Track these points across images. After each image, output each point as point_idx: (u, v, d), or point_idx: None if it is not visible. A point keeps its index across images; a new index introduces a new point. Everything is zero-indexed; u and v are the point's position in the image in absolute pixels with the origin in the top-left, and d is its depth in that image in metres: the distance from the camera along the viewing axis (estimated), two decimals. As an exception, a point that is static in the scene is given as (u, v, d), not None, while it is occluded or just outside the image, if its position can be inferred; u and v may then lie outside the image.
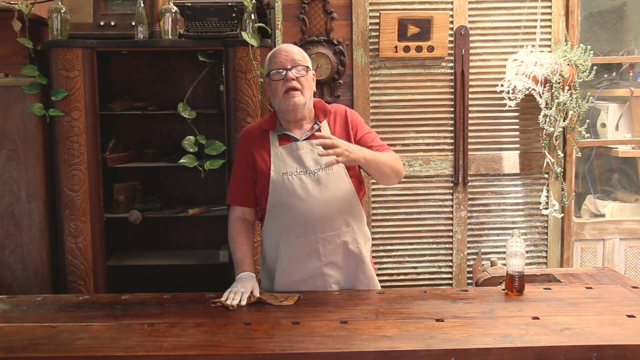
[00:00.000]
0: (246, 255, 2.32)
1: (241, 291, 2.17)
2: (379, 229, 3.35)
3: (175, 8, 3.07)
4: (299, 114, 2.29)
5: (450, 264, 3.40)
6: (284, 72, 2.24)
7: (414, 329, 1.89)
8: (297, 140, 2.30)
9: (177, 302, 2.19)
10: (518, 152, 3.36)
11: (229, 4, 3.09)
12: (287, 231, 2.28)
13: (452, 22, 3.25)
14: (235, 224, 2.36)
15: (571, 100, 3.12)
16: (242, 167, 2.35)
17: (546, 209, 3.35)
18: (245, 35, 2.96)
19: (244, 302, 2.13)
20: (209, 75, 3.27)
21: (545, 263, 3.42)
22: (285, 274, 2.31)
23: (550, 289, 2.29)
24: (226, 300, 2.13)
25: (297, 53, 2.30)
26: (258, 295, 2.18)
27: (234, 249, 2.34)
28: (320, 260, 2.29)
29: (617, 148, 3.68)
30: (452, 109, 3.32)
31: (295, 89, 2.24)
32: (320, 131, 2.31)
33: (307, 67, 2.30)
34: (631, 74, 3.84)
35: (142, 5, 3.03)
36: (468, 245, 3.39)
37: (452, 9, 3.25)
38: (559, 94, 3.09)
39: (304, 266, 2.30)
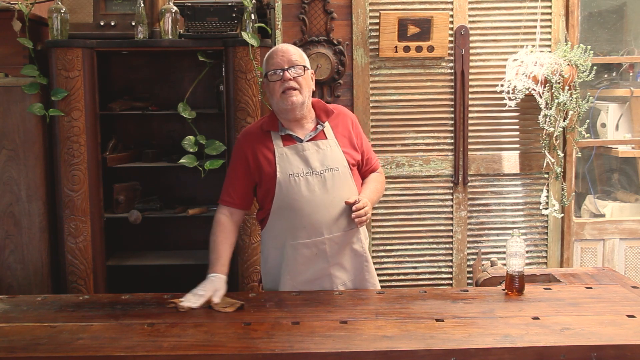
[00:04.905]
0: (220, 256, 2.27)
1: (200, 294, 2.14)
2: (379, 229, 3.35)
3: (175, 8, 3.07)
4: (297, 113, 2.26)
5: (450, 264, 3.40)
6: (281, 72, 2.22)
7: (414, 329, 1.89)
8: (300, 140, 2.28)
9: (177, 302, 2.19)
10: (518, 152, 3.36)
11: (229, 4, 3.09)
12: (293, 233, 2.26)
13: (452, 22, 3.25)
14: (218, 223, 2.32)
15: (571, 100, 3.12)
16: (240, 168, 2.31)
17: (546, 209, 3.34)
18: (245, 35, 2.96)
19: (195, 306, 2.09)
20: (209, 75, 3.27)
21: (545, 263, 3.42)
22: (291, 275, 2.29)
23: (550, 289, 2.29)
24: (182, 301, 2.10)
25: (294, 53, 2.27)
26: (217, 301, 2.13)
27: (211, 247, 2.30)
28: (328, 262, 2.29)
29: (617, 148, 3.68)
30: (452, 109, 3.32)
31: (293, 89, 2.22)
32: (324, 132, 2.30)
33: (305, 66, 2.27)
34: (631, 74, 3.84)
35: (142, 5, 3.03)
36: (468, 245, 3.39)
37: (452, 9, 3.25)
38: (559, 94, 3.09)
39: (311, 267, 2.29)
